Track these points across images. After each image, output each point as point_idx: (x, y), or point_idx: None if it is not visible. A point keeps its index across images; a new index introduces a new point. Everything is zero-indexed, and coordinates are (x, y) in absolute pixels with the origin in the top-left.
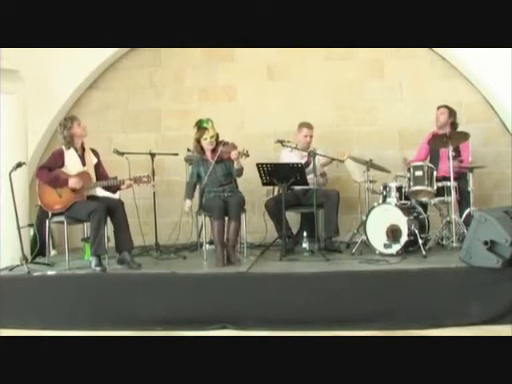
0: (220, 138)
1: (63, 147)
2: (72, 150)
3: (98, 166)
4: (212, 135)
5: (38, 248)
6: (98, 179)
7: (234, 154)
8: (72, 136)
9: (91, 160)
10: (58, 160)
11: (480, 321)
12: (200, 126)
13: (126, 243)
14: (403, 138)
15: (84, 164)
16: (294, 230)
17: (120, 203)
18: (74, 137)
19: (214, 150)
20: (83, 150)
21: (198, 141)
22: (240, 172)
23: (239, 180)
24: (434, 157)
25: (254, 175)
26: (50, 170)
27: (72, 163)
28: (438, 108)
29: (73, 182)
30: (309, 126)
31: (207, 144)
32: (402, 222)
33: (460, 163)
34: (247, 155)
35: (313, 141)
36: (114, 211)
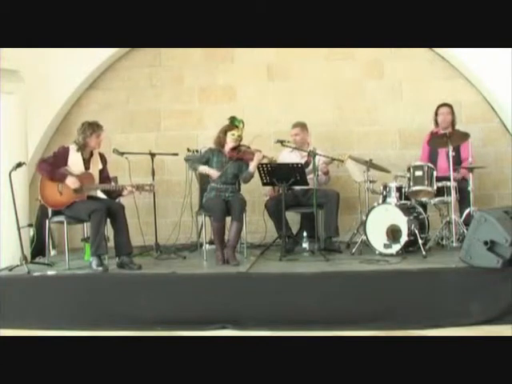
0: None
1: (72, 146)
2: (79, 153)
3: (103, 172)
4: (239, 134)
5: (38, 247)
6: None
7: (259, 155)
8: (85, 144)
9: (97, 165)
10: (61, 158)
11: (480, 321)
12: (232, 122)
13: (125, 248)
14: (403, 138)
15: (87, 168)
16: (294, 230)
17: (121, 207)
18: (87, 146)
19: (233, 149)
20: (91, 155)
21: (225, 133)
22: (250, 178)
23: None
24: (433, 156)
25: (254, 175)
26: (49, 165)
27: (74, 165)
28: (441, 107)
29: (70, 181)
30: (297, 126)
31: (231, 140)
32: (402, 221)
33: (460, 173)
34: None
35: (311, 141)
36: (115, 215)
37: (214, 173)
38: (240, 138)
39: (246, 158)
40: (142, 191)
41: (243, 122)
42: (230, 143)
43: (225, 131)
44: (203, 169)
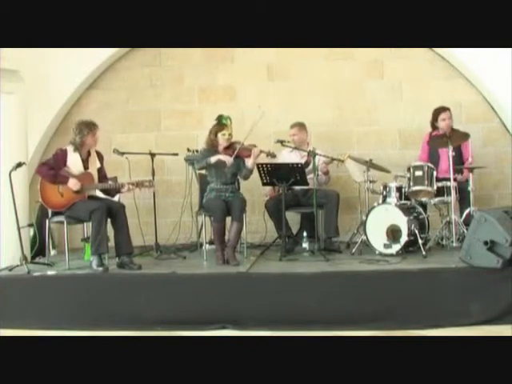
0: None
1: (69, 148)
2: (76, 153)
3: (100, 170)
4: (230, 132)
5: (38, 248)
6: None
7: (256, 150)
8: (82, 144)
9: (95, 164)
10: (60, 160)
11: (480, 321)
12: (220, 121)
13: (125, 247)
14: (403, 138)
15: (86, 168)
16: (294, 230)
17: (121, 206)
18: (84, 145)
19: (226, 148)
20: (88, 154)
21: (216, 134)
22: (249, 174)
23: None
24: (434, 157)
25: (254, 175)
26: (50, 168)
27: (74, 165)
28: (443, 112)
29: (72, 183)
30: (294, 126)
31: (223, 140)
32: (402, 221)
33: (462, 174)
34: (273, 156)
35: (311, 141)
36: (115, 214)
37: (228, 159)
38: (231, 134)
39: (243, 155)
40: (142, 188)
41: (230, 119)
42: (222, 143)
43: (215, 132)
44: (217, 157)
